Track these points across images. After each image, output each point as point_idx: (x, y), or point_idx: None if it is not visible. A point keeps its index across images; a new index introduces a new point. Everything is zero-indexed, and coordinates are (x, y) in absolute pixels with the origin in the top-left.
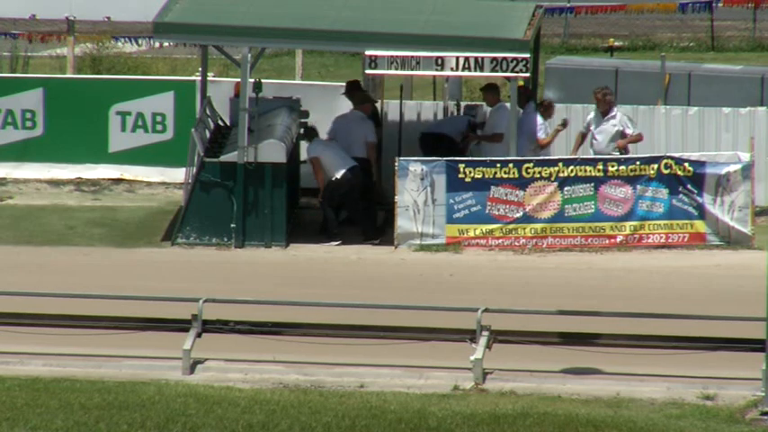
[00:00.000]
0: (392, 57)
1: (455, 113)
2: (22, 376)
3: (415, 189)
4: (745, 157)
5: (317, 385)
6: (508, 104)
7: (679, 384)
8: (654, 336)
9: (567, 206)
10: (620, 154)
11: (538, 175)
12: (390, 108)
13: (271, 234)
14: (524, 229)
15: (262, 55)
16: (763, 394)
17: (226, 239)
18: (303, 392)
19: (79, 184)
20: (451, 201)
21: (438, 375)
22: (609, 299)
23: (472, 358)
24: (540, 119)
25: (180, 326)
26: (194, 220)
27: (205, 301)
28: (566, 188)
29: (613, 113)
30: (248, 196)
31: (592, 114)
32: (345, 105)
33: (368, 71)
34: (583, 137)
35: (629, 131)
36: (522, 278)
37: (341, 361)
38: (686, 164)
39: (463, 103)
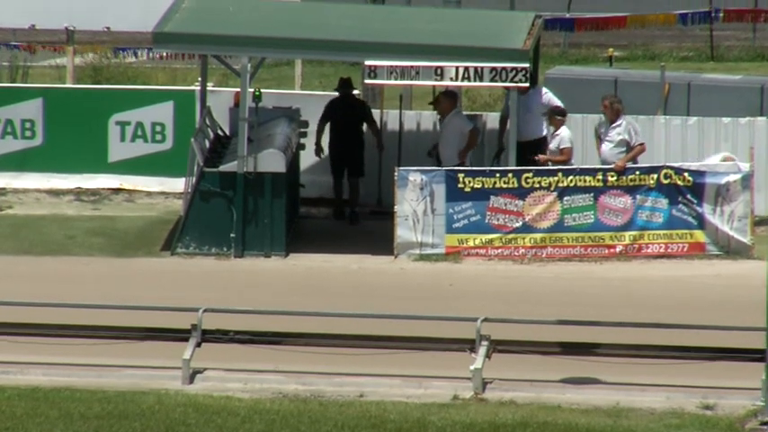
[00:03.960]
0: (391, 67)
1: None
2: (21, 386)
3: (415, 199)
4: (745, 166)
5: (317, 395)
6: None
7: (679, 394)
8: (653, 345)
9: (566, 216)
10: None
11: (537, 185)
12: (390, 118)
13: (270, 244)
14: (524, 238)
15: (261, 65)
16: (763, 404)
17: (225, 249)
18: (303, 402)
19: (79, 193)
20: (451, 210)
21: (438, 385)
22: (608, 308)
23: (472, 368)
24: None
25: (180, 335)
26: (194, 229)
27: (205, 310)
28: (565, 198)
29: (619, 122)
30: (248, 206)
31: (603, 118)
32: None
33: (367, 81)
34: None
35: (632, 141)
36: (521, 288)
37: (341, 370)
38: (686, 174)
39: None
